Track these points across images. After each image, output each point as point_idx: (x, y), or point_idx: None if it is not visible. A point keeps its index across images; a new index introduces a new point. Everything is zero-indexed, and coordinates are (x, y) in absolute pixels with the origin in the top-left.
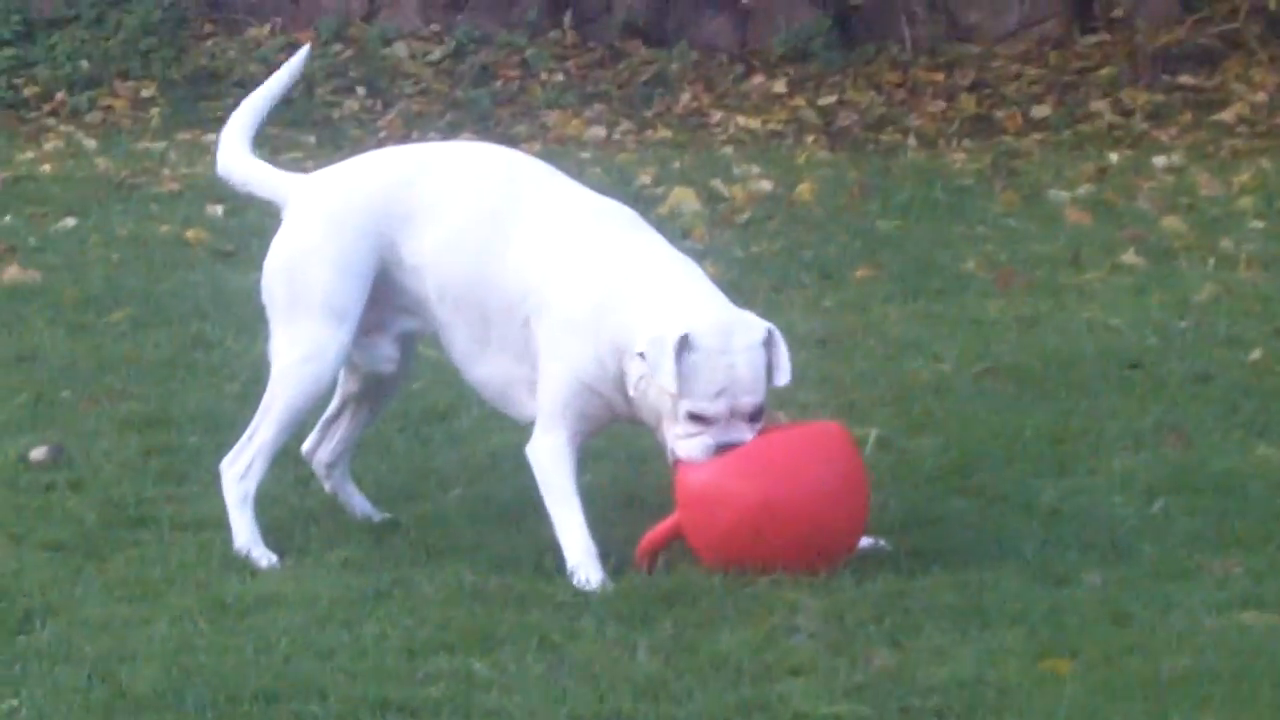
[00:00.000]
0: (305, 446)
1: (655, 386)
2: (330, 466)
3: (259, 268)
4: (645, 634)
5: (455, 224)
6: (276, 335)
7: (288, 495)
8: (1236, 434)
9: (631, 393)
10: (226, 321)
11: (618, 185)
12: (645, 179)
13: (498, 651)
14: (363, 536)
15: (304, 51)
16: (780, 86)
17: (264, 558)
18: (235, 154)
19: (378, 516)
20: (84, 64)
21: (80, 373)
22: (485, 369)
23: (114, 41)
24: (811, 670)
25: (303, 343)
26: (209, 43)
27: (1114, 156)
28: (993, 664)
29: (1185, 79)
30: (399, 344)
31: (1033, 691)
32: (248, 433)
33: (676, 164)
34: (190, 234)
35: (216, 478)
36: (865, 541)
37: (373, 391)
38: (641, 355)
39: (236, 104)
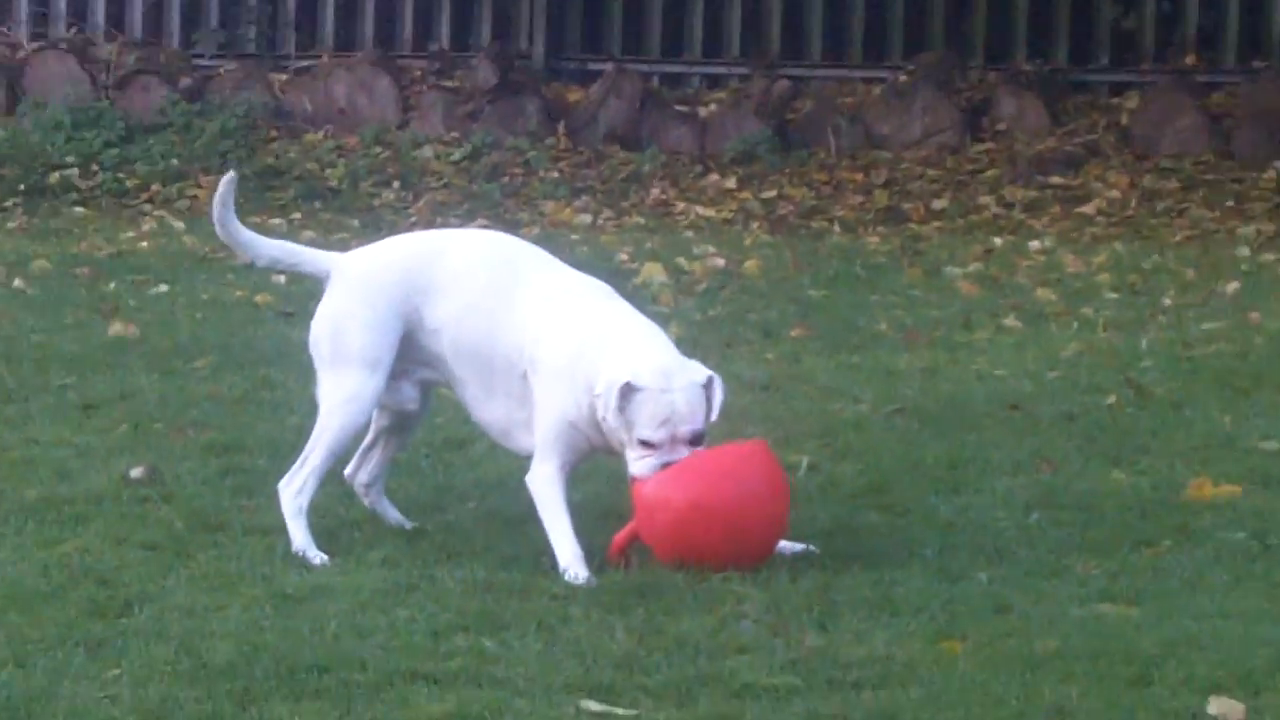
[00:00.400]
0: (347, 470)
1: (611, 420)
2: (368, 486)
3: None
4: (622, 619)
5: (467, 296)
6: (323, 381)
7: (335, 507)
8: (1095, 462)
9: (602, 426)
10: (288, 368)
11: (601, 261)
12: (623, 256)
13: (504, 633)
14: (396, 540)
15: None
16: (731, 183)
17: (316, 557)
18: (264, 247)
19: (408, 525)
20: (174, 161)
21: (170, 408)
22: (490, 412)
23: (198, 144)
24: (755, 649)
25: (345, 387)
26: (274, 145)
27: (997, 240)
28: (900, 644)
29: (1054, 179)
30: (419, 390)
31: (931, 666)
32: (301, 458)
33: (648, 244)
34: (259, 298)
35: (278, 494)
36: (798, 547)
37: (400, 426)
38: (598, 396)
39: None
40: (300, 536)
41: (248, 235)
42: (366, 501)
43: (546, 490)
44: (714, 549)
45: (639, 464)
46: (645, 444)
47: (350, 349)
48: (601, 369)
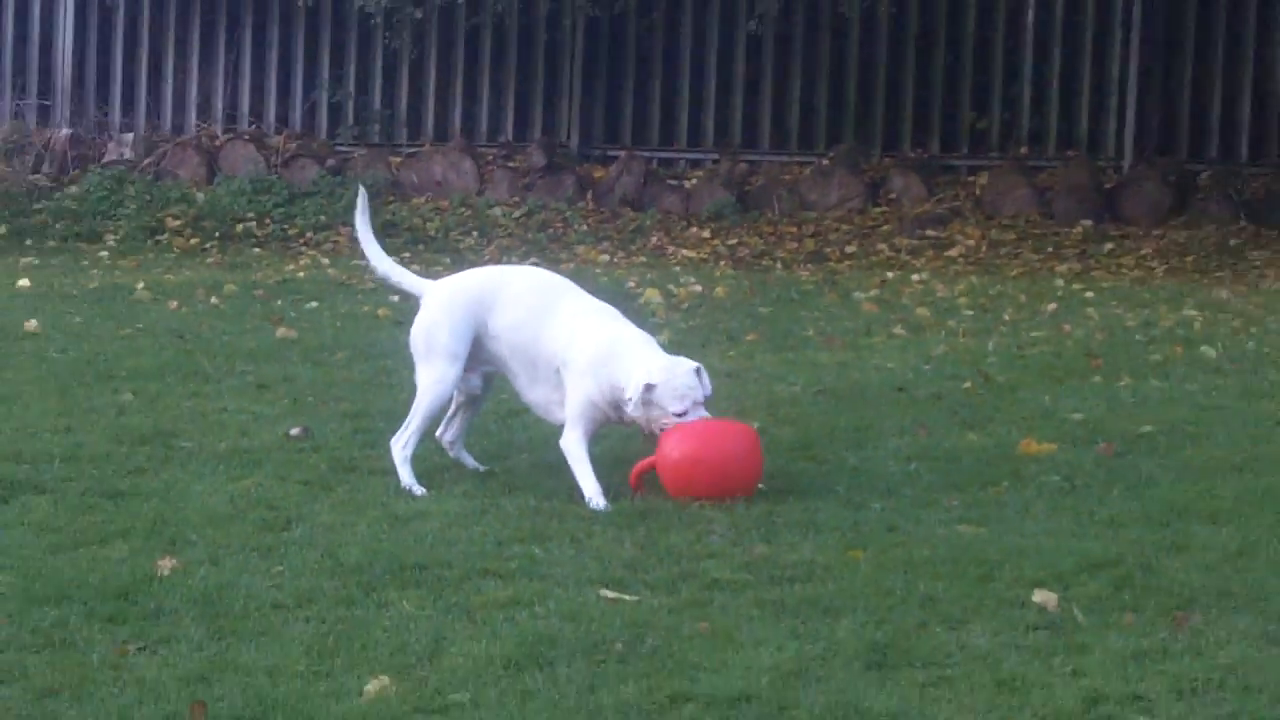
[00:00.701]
0: (437, 432)
1: (637, 410)
2: (452, 442)
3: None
4: (629, 534)
5: (519, 313)
6: (419, 370)
7: (431, 456)
8: (956, 427)
9: (631, 413)
10: (400, 360)
11: (616, 287)
12: (631, 283)
13: (548, 543)
14: (473, 480)
15: (362, 193)
16: (706, 234)
17: (418, 490)
18: (383, 262)
19: (481, 469)
20: (322, 217)
21: (318, 387)
22: (535, 395)
23: (339, 205)
24: (721, 555)
25: (434, 374)
26: (391, 206)
27: (889, 274)
28: (820, 552)
29: (929, 232)
30: (483, 379)
31: (842, 568)
32: (406, 422)
33: (648, 275)
34: (380, 311)
35: (390, 448)
36: None
37: (472, 402)
38: (629, 400)
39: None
40: (406, 476)
41: (375, 246)
42: (451, 453)
43: (575, 448)
44: (705, 489)
45: (673, 425)
46: (677, 415)
47: (438, 346)
48: (618, 373)
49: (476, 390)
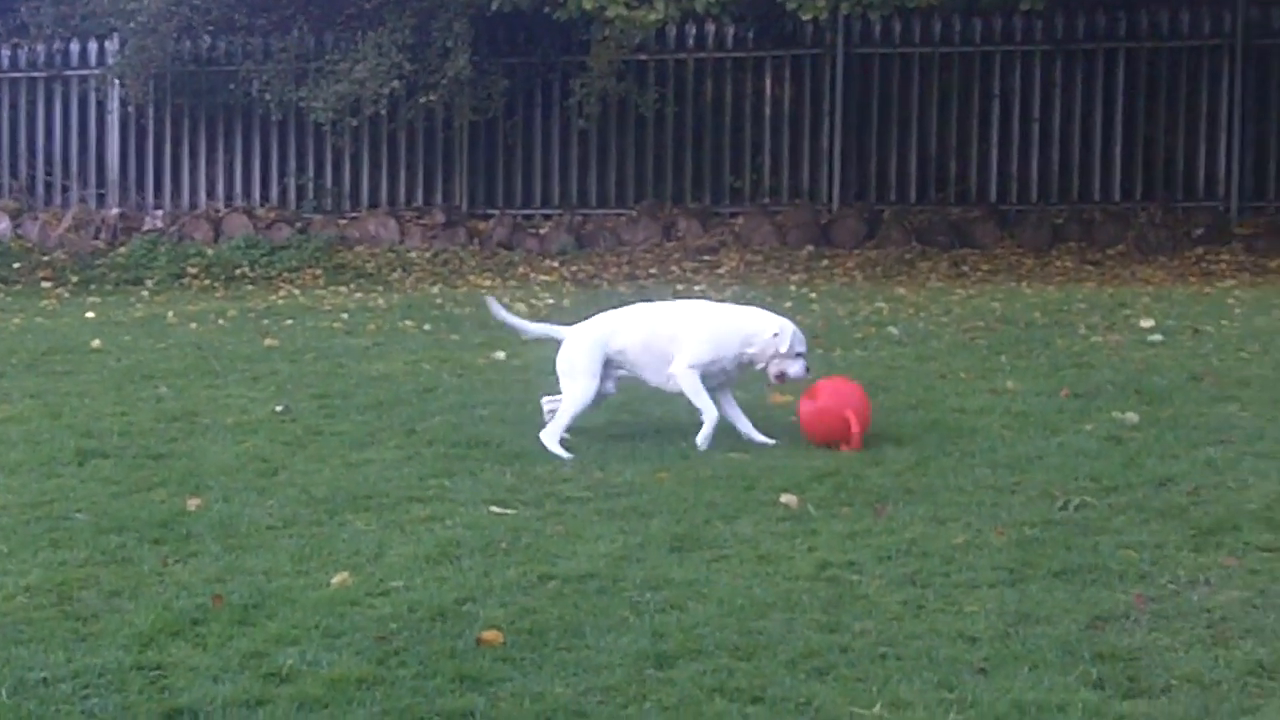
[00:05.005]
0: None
1: (774, 351)
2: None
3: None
4: (509, 468)
5: (628, 340)
6: (566, 385)
7: (370, 423)
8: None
9: (752, 353)
10: (350, 358)
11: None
12: (507, 300)
13: (454, 477)
14: (402, 436)
15: (491, 299)
16: (556, 264)
17: (566, 455)
18: (530, 327)
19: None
20: (293, 263)
21: (294, 378)
22: (648, 376)
23: (305, 254)
24: (571, 480)
25: (579, 385)
26: (339, 255)
27: (680, 287)
28: (638, 475)
29: (706, 257)
30: (612, 381)
31: (652, 485)
32: (557, 418)
33: (518, 294)
34: (335, 325)
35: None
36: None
37: (607, 394)
38: (776, 335)
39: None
40: (557, 449)
41: (517, 320)
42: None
43: (692, 387)
44: (833, 435)
45: (795, 368)
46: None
47: (581, 368)
48: (754, 332)
49: (609, 391)
